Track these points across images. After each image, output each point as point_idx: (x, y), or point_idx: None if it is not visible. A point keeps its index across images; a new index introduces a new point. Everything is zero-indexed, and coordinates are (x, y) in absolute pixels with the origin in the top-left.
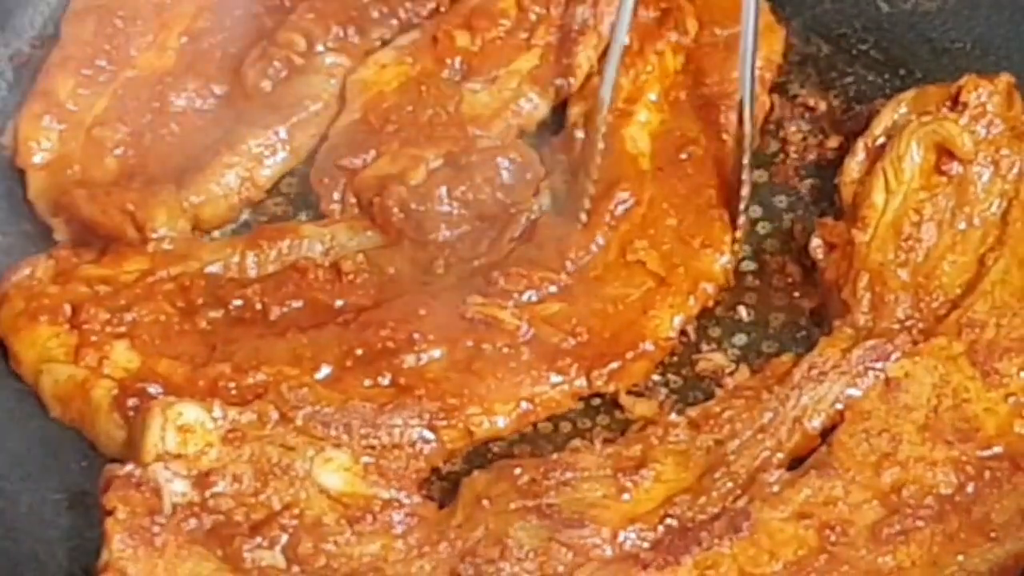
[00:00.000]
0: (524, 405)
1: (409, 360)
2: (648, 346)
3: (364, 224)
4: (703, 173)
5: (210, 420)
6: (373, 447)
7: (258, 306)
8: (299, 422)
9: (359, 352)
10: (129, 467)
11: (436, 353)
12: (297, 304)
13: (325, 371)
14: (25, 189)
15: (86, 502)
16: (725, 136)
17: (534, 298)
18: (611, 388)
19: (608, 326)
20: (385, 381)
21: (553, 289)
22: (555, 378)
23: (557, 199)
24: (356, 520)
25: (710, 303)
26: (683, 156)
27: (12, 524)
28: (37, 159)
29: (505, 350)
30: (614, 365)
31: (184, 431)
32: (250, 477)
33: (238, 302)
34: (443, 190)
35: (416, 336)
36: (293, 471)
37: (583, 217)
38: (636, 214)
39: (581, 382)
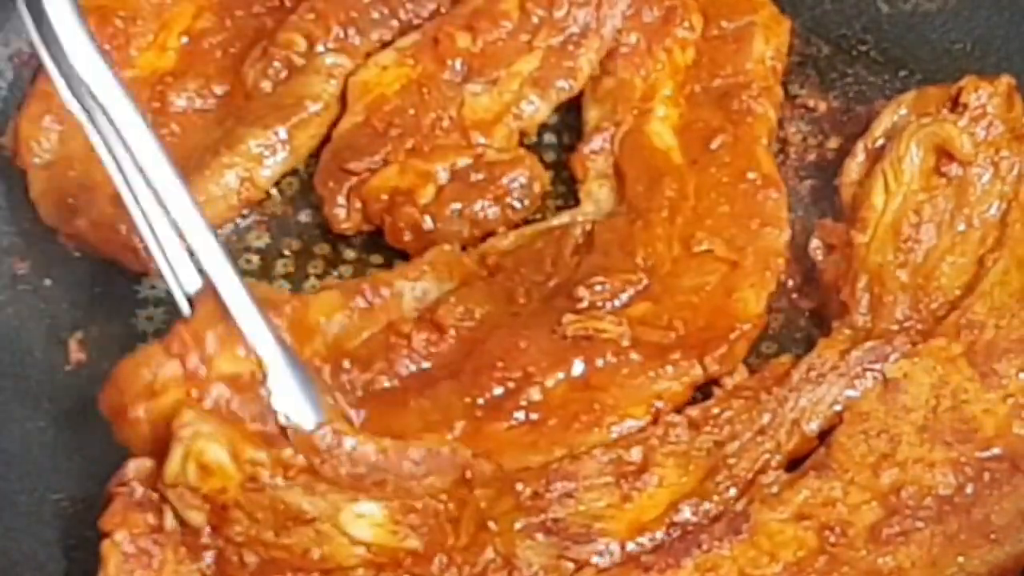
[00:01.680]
0: (657, 403)
1: (534, 394)
2: (745, 326)
3: (445, 272)
4: (740, 159)
5: (231, 464)
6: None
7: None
8: (329, 472)
9: (482, 400)
10: (130, 480)
11: (555, 378)
12: (410, 369)
13: (460, 426)
14: (26, 189)
15: (85, 503)
16: (750, 120)
17: (618, 304)
18: (723, 371)
19: (700, 315)
20: (520, 417)
21: (633, 292)
22: (672, 371)
23: (598, 203)
24: (382, 568)
25: (782, 276)
26: (714, 146)
27: (11, 524)
28: (37, 159)
29: (613, 358)
30: (723, 349)
31: (204, 469)
32: (269, 522)
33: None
34: (453, 208)
35: (531, 369)
36: (318, 520)
37: None
38: (686, 207)
39: (696, 371)
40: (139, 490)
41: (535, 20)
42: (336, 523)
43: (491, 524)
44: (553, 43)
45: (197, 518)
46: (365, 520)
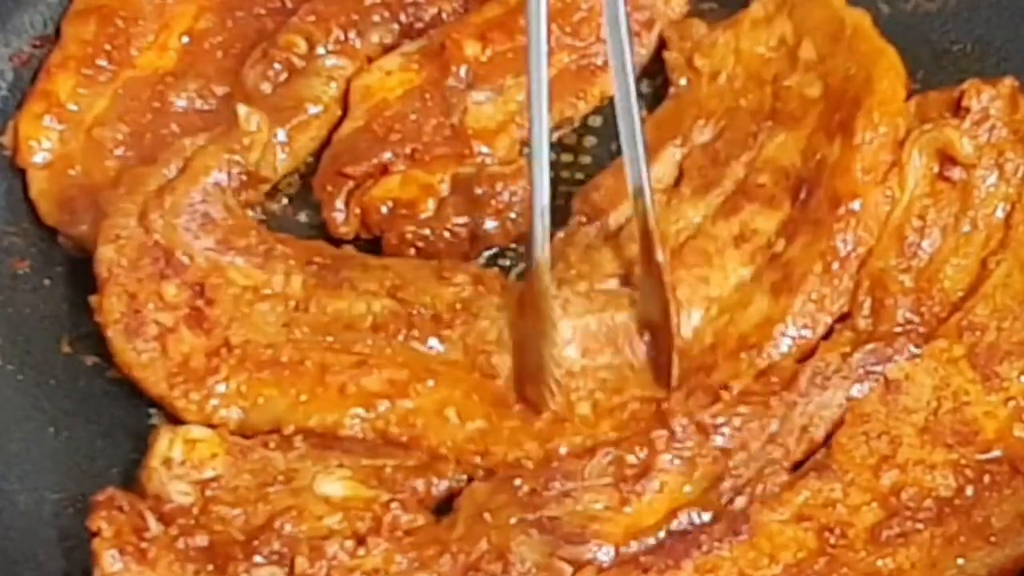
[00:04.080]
0: None
1: None
2: None
3: None
4: None
5: (216, 436)
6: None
7: None
8: (301, 450)
9: None
10: (110, 490)
11: None
12: None
13: None
14: (26, 189)
15: (84, 503)
16: None
17: None
18: None
19: None
20: None
21: None
22: None
23: None
24: (357, 530)
25: None
26: None
27: (10, 524)
28: (38, 159)
29: None
30: None
31: (190, 442)
32: (251, 484)
33: None
34: (454, 223)
35: None
36: (295, 481)
37: None
38: None
39: None
40: (120, 495)
41: (555, 40)
42: (310, 485)
43: (487, 516)
44: (569, 64)
45: (184, 488)
46: (337, 475)
